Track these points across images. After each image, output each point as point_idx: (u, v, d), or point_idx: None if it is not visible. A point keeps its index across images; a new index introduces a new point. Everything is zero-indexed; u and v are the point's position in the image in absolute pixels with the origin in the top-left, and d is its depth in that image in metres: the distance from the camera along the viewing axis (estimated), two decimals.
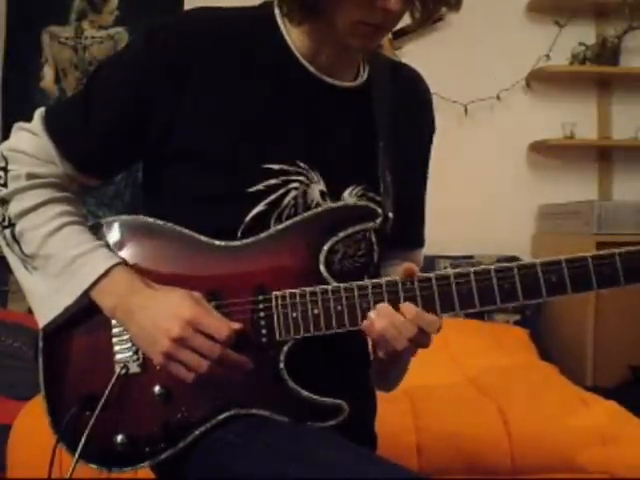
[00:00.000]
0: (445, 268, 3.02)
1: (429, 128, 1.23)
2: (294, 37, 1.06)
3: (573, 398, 2.03)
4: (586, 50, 3.31)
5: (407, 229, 1.17)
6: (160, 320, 0.95)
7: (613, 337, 2.81)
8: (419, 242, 1.25)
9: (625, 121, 3.35)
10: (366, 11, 0.96)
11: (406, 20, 1.03)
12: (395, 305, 0.97)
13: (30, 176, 1.04)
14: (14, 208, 1.03)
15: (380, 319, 0.96)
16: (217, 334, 0.94)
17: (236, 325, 0.97)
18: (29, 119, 1.09)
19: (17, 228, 1.03)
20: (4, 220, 1.04)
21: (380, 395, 1.20)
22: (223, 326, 0.95)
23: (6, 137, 1.10)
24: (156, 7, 3.28)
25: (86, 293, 1.00)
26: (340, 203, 1.06)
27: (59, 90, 3.37)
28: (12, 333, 2.52)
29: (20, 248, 1.04)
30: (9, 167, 1.05)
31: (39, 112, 1.08)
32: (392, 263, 1.18)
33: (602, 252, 0.97)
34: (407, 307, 0.96)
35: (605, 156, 3.43)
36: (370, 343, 1.09)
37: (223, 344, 0.94)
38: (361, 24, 0.98)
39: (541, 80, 3.39)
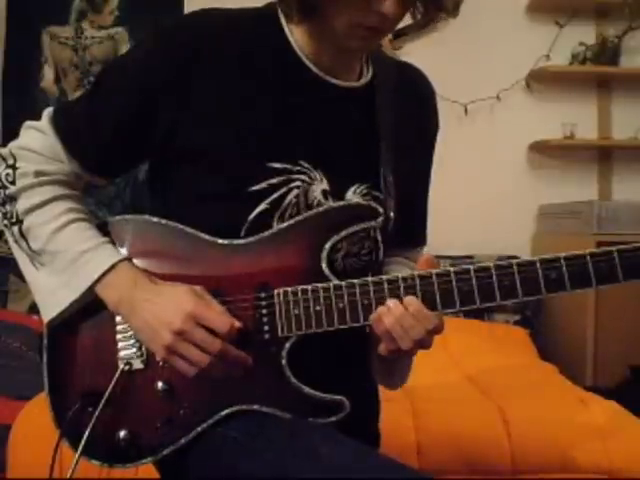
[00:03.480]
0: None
1: (433, 127, 1.23)
2: (297, 37, 1.06)
3: (573, 398, 2.02)
4: (586, 50, 3.32)
5: (409, 228, 1.17)
6: (162, 313, 0.96)
7: (613, 337, 2.81)
8: (421, 241, 1.25)
9: (625, 121, 3.36)
10: (363, 14, 0.96)
11: (406, 20, 1.03)
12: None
13: (38, 173, 1.05)
14: (22, 205, 1.04)
15: (389, 316, 0.96)
16: (218, 328, 0.95)
17: (238, 322, 0.97)
18: (29, 119, 1.10)
19: (25, 224, 1.04)
20: (12, 217, 1.05)
21: (380, 395, 1.20)
22: (224, 320, 0.96)
23: (6, 137, 1.10)
24: (156, 7, 3.29)
25: (92, 288, 1.00)
26: (342, 202, 1.06)
27: (59, 90, 3.37)
28: (12, 333, 2.52)
29: (28, 244, 1.05)
30: (17, 164, 1.06)
31: (47, 111, 1.09)
32: (394, 261, 1.19)
33: (601, 249, 0.97)
34: (410, 300, 0.97)
35: (605, 156, 3.44)
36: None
37: (224, 338, 0.95)
38: (358, 27, 0.98)
39: (541, 80, 3.39)
